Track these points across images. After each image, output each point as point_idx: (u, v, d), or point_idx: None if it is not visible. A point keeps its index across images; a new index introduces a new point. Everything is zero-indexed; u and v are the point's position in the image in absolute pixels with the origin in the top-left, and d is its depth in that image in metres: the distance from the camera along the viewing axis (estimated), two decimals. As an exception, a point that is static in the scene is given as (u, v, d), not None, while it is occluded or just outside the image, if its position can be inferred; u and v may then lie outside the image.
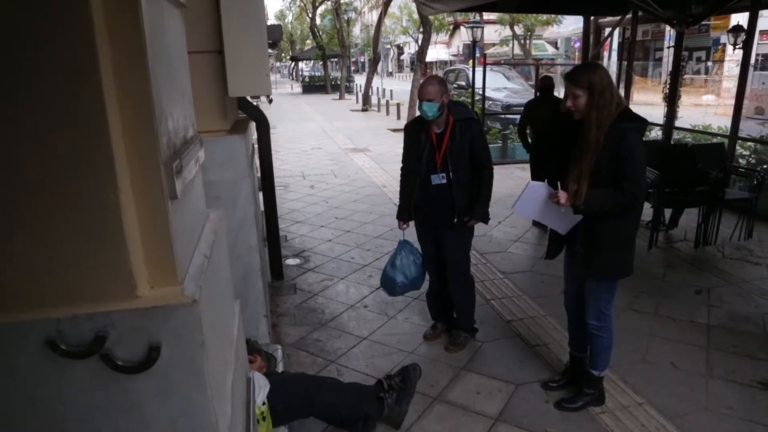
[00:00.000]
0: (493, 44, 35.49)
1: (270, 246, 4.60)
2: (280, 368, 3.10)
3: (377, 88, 24.16)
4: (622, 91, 8.77)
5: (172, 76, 1.33)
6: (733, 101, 7.21)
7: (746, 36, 7.46)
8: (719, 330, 3.88)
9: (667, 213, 5.93)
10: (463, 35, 31.59)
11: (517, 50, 32.22)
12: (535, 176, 6.55)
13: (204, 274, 1.28)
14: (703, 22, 10.32)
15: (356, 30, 45.83)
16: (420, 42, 17.06)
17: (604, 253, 2.73)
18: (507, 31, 31.74)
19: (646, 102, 14.80)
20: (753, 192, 5.82)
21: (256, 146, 4.16)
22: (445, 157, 3.32)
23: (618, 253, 2.75)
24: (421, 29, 18.11)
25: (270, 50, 5.67)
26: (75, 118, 1.00)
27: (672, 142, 8.00)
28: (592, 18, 9.62)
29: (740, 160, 7.24)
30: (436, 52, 42.59)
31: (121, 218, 1.06)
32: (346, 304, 4.40)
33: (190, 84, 1.61)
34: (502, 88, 14.31)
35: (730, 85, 18.37)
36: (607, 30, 10.00)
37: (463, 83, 16.11)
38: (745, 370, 3.38)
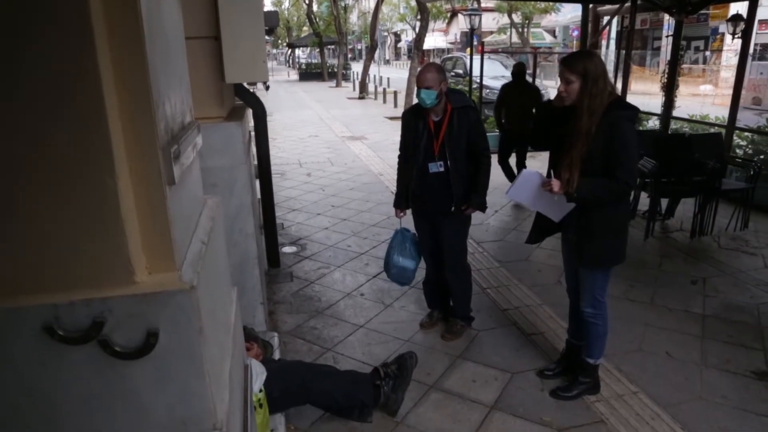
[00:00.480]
0: (491, 32, 35.39)
1: (267, 234, 4.60)
2: (276, 356, 3.11)
3: (374, 76, 24.01)
4: (619, 81, 8.75)
5: (170, 62, 1.31)
6: (730, 91, 7.20)
7: (745, 25, 7.45)
8: (714, 320, 3.90)
9: (664, 203, 5.95)
10: (461, 23, 31.52)
11: (515, 38, 32.09)
12: (502, 154, 6.87)
13: (202, 260, 1.28)
14: (701, 11, 10.26)
15: (353, 17, 45.49)
16: (417, 29, 16.93)
17: (597, 241, 2.75)
18: (505, 19, 31.64)
19: (644, 91, 14.80)
20: (749, 182, 5.83)
21: (252, 133, 4.14)
22: (443, 146, 3.30)
23: (610, 240, 2.77)
24: (419, 16, 18.00)
25: (266, 37, 5.62)
26: (72, 103, 0.99)
27: (669, 132, 8.01)
28: (590, 6, 9.55)
29: (737, 151, 7.24)
30: (434, 40, 42.41)
31: (119, 204, 1.06)
32: (342, 292, 4.41)
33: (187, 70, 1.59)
34: (500, 77, 14.27)
35: (728, 74, 18.35)
36: (606, 18, 9.95)
37: (461, 71, 16.03)
38: (740, 360, 3.40)
